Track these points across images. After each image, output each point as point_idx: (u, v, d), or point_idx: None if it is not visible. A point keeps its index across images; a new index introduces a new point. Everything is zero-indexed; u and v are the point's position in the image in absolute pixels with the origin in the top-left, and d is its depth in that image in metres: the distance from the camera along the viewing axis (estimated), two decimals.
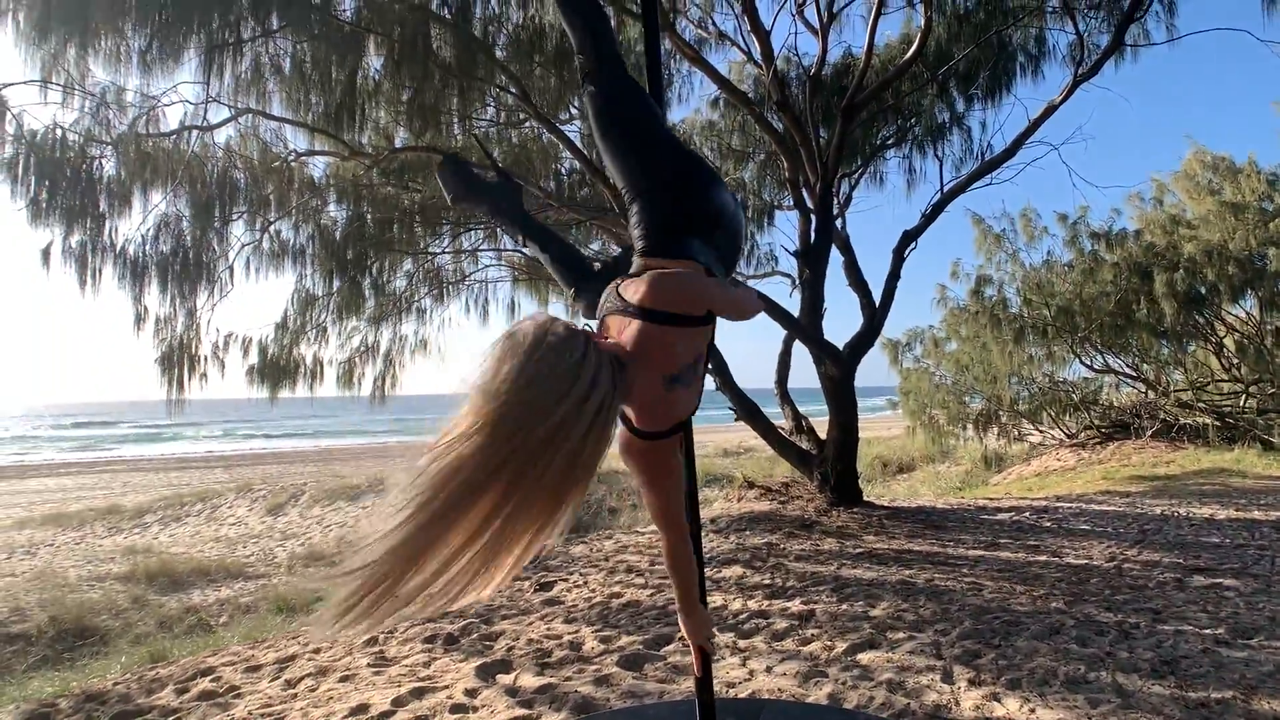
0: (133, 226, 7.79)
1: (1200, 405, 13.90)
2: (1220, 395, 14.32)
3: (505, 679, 3.96)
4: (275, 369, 9.42)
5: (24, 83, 6.81)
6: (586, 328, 1.53)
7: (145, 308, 7.87)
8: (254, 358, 9.45)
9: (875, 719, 3.03)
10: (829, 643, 4.07)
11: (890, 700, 3.29)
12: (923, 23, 6.93)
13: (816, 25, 8.00)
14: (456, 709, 3.62)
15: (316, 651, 5.10)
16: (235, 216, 8.47)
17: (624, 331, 1.54)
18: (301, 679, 4.45)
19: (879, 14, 7.06)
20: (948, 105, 9.16)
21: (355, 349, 10.01)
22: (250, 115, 7.80)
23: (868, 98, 7.27)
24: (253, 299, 10.15)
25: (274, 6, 6.35)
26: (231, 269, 8.67)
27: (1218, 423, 13.30)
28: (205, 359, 8.89)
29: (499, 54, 6.96)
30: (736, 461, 18.30)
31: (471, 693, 3.80)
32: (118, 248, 7.88)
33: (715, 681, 3.65)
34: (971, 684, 3.43)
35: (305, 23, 6.49)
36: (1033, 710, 3.13)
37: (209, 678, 4.71)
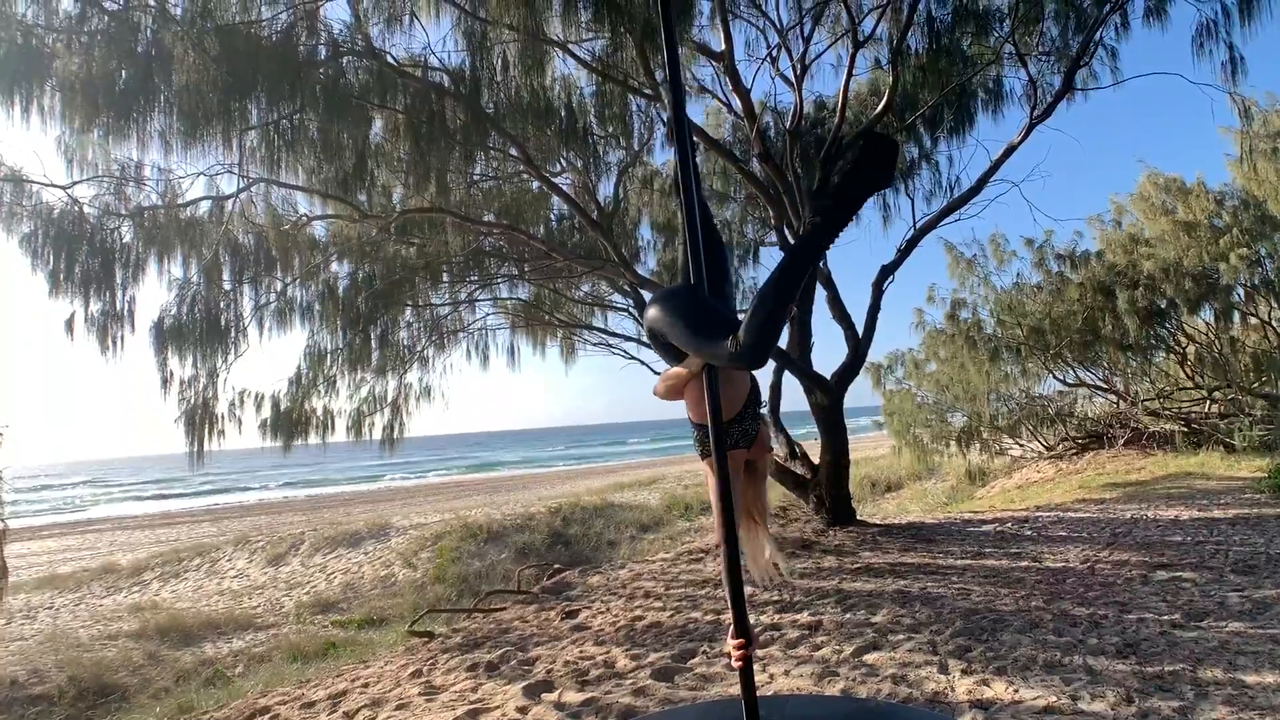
0: (150, 293, 8.28)
1: (1168, 413, 14.64)
2: (1186, 403, 15.08)
3: (550, 696, 4.40)
4: (288, 422, 9.81)
5: (59, 185, 7.32)
6: None
7: (171, 372, 8.30)
8: (267, 412, 9.84)
9: (886, 705, 3.52)
10: (837, 647, 4.56)
11: (895, 691, 3.79)
12: (891, 80, 7.64)
13: (790, 77, 8.71)
14: None
15: (365, 686, 5.50)
16: (248, 279, 8.95)
17: None
18: (358, 710, 4.85)
19: (851, 74, 7.82)
20: (916, 143, 9.86)
21: (363, 399, 10.44)
22: (264, 184, 8.33)
23: (844, 148, 7.95)
24: (262, 356, 10.60)
25: (291, 91, 6.88)
26: (245, 329, 9.13)
27: (1184, 429, 14.03)
28: (223, 416, 9.31)
29: (498, 117, 7.49)
30: None
31: (523, 710, 4.23)
32: (135, 315, 8.33)
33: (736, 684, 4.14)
34: (964, 673, 3.94)
35: (316, 103, 7.03)
36: (1016, 691, 3.65)
37: (267, 716, 5.07)
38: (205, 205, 8.20)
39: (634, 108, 9.64)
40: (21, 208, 7.43)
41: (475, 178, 8.85)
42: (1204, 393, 14.82)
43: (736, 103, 8.40)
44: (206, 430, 8.85)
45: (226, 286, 8.53)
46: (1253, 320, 14.30)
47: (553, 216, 10.74)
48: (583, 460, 59.08)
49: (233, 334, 8.49)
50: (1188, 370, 15.14)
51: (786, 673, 4.27)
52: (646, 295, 10.54)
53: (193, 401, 8.41)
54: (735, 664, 2.51)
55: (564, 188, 9.30)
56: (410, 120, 6.82)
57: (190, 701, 6.32)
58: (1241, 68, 7.98)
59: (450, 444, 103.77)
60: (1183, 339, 14.89)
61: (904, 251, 8.80)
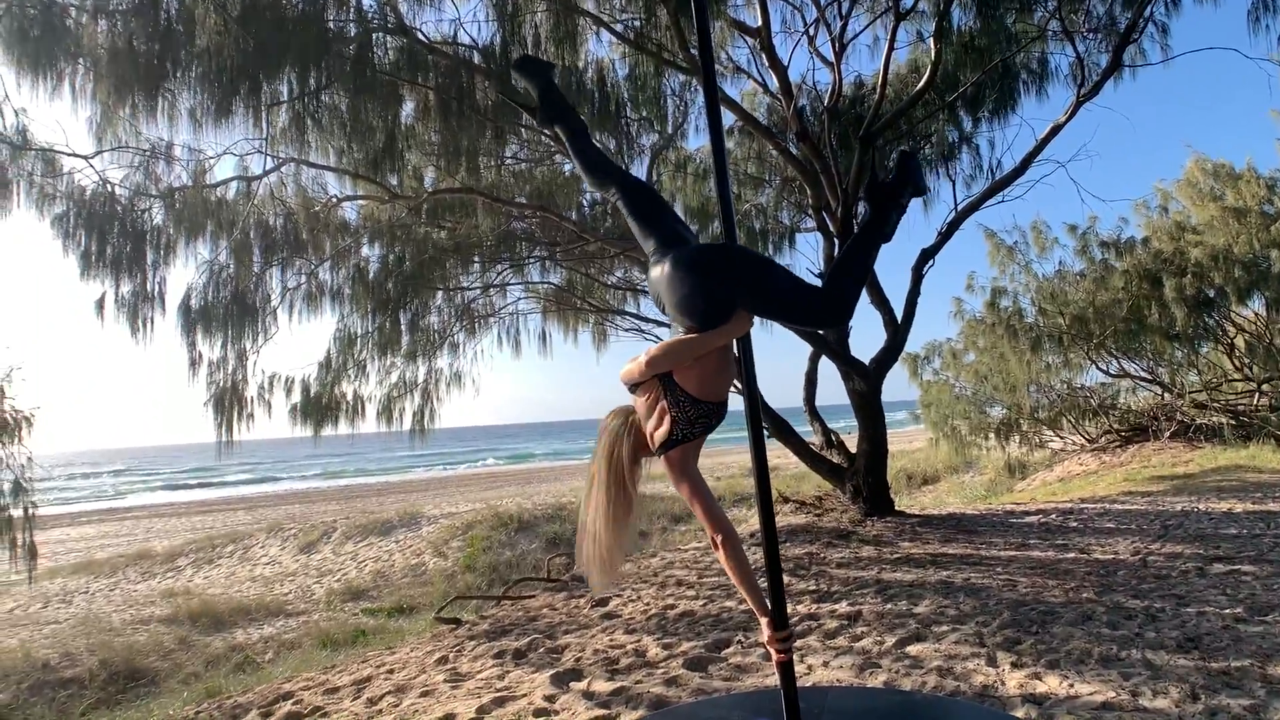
0: (180, 276, 8.28)
1: (1215, 405, 14.12)
2: (1234, 395, 14.53)
3: (579, 685, 4.27)
4: (319, 407, 9.80)
5: (81, 155, 7.34)
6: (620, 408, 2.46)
7: (200, 353, 8.30)
8: (297, 397, 9.83)
9: (931, 698, 3.33)
10: (879, 638, 4.37)
11: (941, 684, 3.60)
12: (933, 54, 7.37)
13: (829, 57, 8.46)
14: (540, 713, 3.93)
15: (391, 672, 5.43)
16: (277, 262, 8.93)
17: None
18: (382, 696, 4.77)
19: (892, 48, 7.53)
20: (956, 126, 9.54)
21: (394, 385, 10.41)
22: (294, 164, 8.27)
23: (884, 126, 7.69)
24: (291, 342, 10.62)
25: (319, 68, 6.79)
26: (275, 312, 9.12)
27: (1233, 421, 13.51)
28: (252, 400, 9.33)
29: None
30: None
31: (550, 699, 4.11)
32: (165, 297, 8.33)
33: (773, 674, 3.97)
34: (1014, 666, 3.74)
35: (346, 79, 6.93)
36: (1071, 685, 3.44)
37: (290, 701, 5.01)
38: (235, 186, 8.18)
39: (667, 90, 9.48)
40: (55, 188, 7.45)
41: (506, 159, 8.73)
42: (1254, 385, 14.27)
43: (773, 81, 8.18)
44: (235, 414, 8.84)
45: (256, 268, 8.52)
46: None
47: (584, 202, 10.60)
48: None
49: (262, 316, 8.47)
50: (1236, 361, 14.58)
51: (825, 664, 4.09)
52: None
53: (222, 384, 8.41)
54: (778, 659, 2.32)
55: None
56: (441, 98, 6.70)
57: (219, 686, 6.32)
58: None
59: (482, 435, 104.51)
60: (1230, 329, 14.34)
61: (945, 235, 8.52)
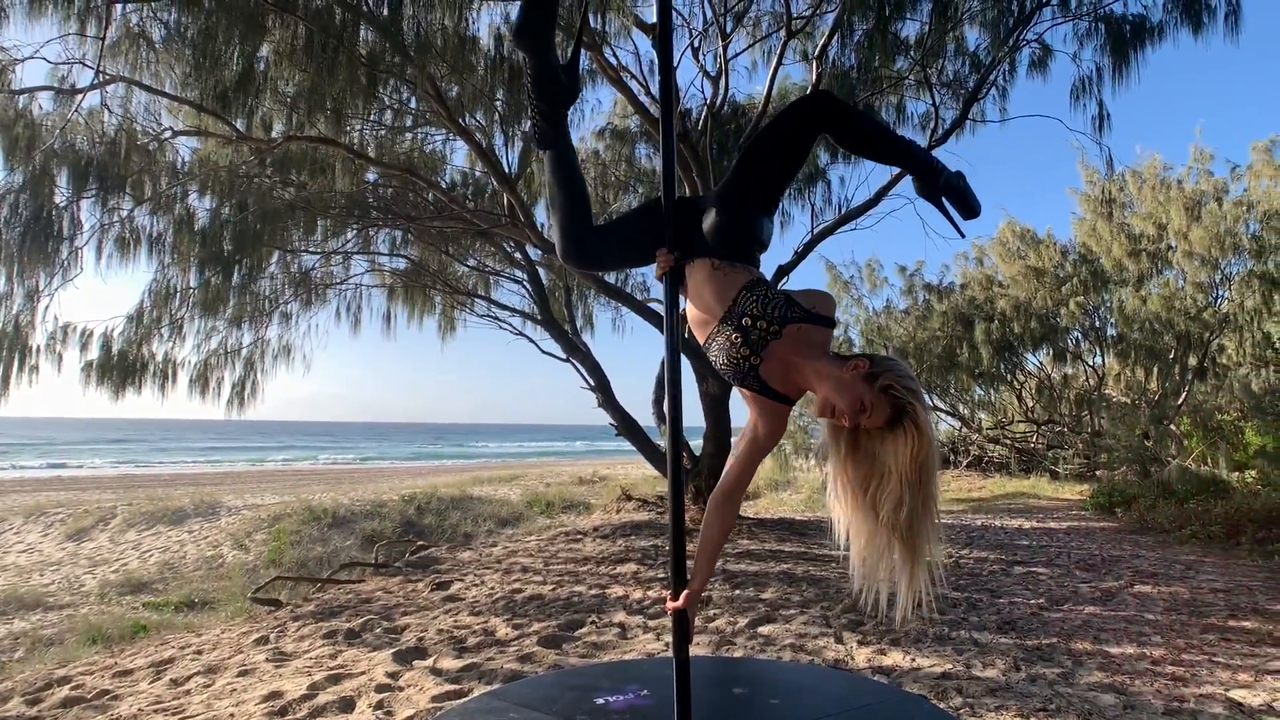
0: None
1: (1005, 441, 15.89)
2: (1020, 433, 16.45)
3: (424, 663, 4.00)
4: (121, 367, 8.65)
5: None
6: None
7: None
8: (95, 353, 8.64)
9: (793, 666, 3.41)
10: (731, 619, 4.45)
11: (797, 658, 3.71)
12: (814, 75, 7.83)
13: (710, 70, 8.79)
14: (382, 688, 3.63)
15: (199, 653, 4.84)
16: (89, 195, 7.80)
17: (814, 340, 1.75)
18: (189, 677, 4.24)
19: (779, 64, 7.93)
20: (811, 162, 10.14)
21: (213, 350, 9.40)
22: (124, 85, 7.25)
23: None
24: (99, 295, 9.33)
25: None
26: (79, 252, 7.97)
27: (1018, 455, 15.28)
28: (38, 349, 8.10)
29: (414, 47, 6.88)
30: (592, 489, 18.58)
31: (393, 675, 3.81)
32: None
33: (638, 654, 3.93)
34: (860, 644, 3.93)
35: None
36: (914, 659, 3.67)
37: (68, 686, 4.35)
38: (45, 100, 7.07)
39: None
40: None
41: (373, 120, 8.17)
42: (1035, 425, 16.23)
43: (656, 83, 8.29)
44: (16, 364, 7.61)
45: (61, 200, 7.38)
46: (1080, 363, 15.84)
47: (444, 183, 10.17)
48: (467, 457, 55.13)
49: (64, 254, 7.36)
50: (1022, 404, 16.52)
51: None
52: (542, 271, 10.18)
53: (1, 324, 7.20)
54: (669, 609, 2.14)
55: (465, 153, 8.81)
56: (314, 35, 6.13)
57: None
58: (1108, 123, 8.74)
59: (296, 431, 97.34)
60: (1022, 375, 16.23)
61: (801, 255, 9.01)
